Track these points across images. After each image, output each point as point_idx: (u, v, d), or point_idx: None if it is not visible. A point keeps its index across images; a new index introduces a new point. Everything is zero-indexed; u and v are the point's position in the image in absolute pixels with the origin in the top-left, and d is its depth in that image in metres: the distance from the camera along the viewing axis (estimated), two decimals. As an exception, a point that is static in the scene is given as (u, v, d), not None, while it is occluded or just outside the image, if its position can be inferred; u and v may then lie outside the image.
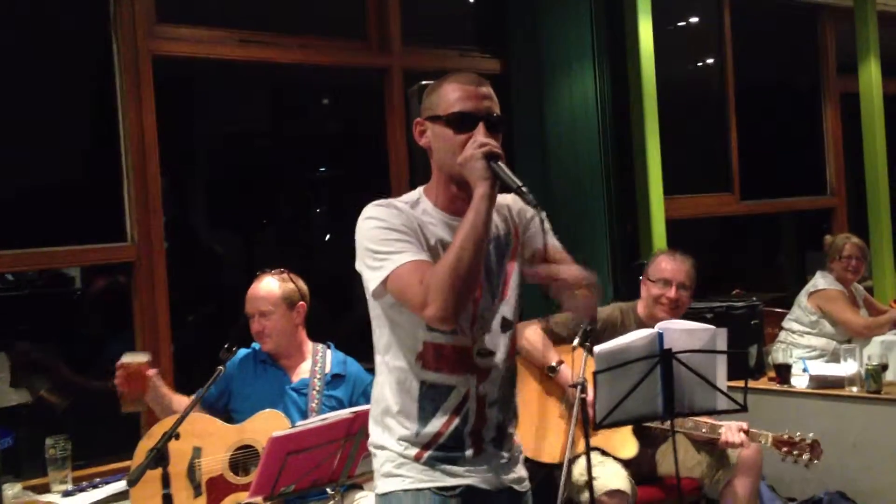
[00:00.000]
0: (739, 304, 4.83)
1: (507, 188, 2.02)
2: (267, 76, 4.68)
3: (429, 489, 2.10)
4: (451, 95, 2.10)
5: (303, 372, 3.33)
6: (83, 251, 3.64)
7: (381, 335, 2.18)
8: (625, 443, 3.65)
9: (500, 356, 2.17)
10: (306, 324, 3.39)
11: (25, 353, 3.80)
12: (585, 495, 3.40)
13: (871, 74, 6.08)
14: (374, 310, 2.17)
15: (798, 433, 3.57)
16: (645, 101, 4.77)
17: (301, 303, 3.34)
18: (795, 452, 3.54)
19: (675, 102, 5.27)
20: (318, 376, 3.30)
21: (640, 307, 3.91)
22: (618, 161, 4.68)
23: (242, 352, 3.34)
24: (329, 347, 3.41)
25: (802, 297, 5.16)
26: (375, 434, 2.19)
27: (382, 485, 2.15)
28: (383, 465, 2.15)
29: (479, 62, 4.85)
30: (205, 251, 4.84)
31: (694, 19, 6.27)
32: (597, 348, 2.94)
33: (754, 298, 5.01)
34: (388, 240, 2.05)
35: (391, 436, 2.14)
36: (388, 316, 2.13)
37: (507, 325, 2.19)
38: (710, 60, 6.22)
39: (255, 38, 4.06)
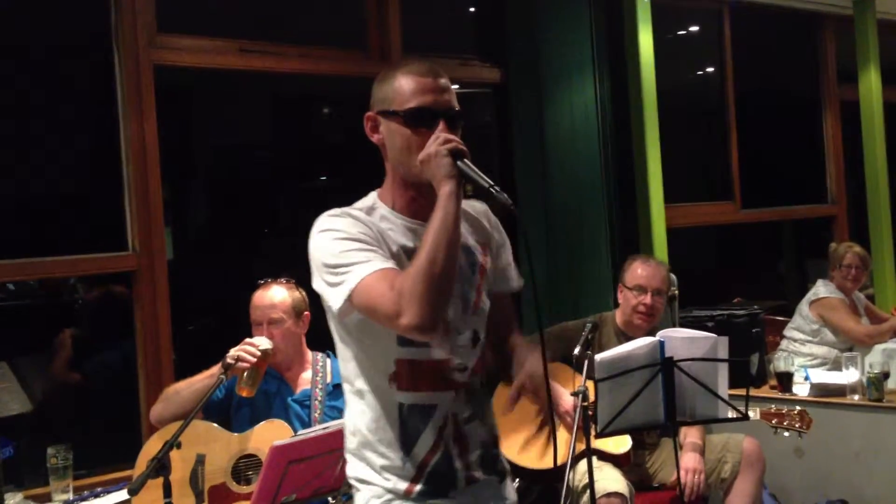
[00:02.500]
0: (740, 312, 4.83)
1: (477, 188, 1.84)
2: (268, 86, 4.69)
3: None
4: (406, 88, 1.91)
5: (304, 383, 3.32)
6: (84, 261, 3.62)
7: (348, 360, 2.01)
8: (617, 439, 3.62)
9: (473, 371, 2.02)
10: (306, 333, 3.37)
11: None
12: (585, 499, 3.40)
13: (871, 83, 6.09)
14: (339, 332, 2.00)
15: (784, 406, 3.61)
16: (645, 109, 4.78)
17: (306, 312, 3.32)
18: (786, 423, 3.56)
19: (676, 111, 5.28)
20: (320, 386, 3.30)
21: (618, 315, 3.91)
22: (618, 170, 4.68)
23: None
24: (329, 356, 3.38)
25: (803, 306, 5.16)
26: (356, 467, 2.03)
27: None
28: (369, 501, 1.98)
29: (479, 71, 4.86)
30: (205, 260, 4.84)
31: (694, 28, 6.29)
32: (598, 356, 2.94)
33: (755, 307, 5.01)
34: (349, 251, 1.86)
35: (374, 469, 1.98)
36: (356, 337, 1.97)
37: (477, 339, 2.04)
38: (710, 69, 6.23)
39: (255, 47, 4.06)
